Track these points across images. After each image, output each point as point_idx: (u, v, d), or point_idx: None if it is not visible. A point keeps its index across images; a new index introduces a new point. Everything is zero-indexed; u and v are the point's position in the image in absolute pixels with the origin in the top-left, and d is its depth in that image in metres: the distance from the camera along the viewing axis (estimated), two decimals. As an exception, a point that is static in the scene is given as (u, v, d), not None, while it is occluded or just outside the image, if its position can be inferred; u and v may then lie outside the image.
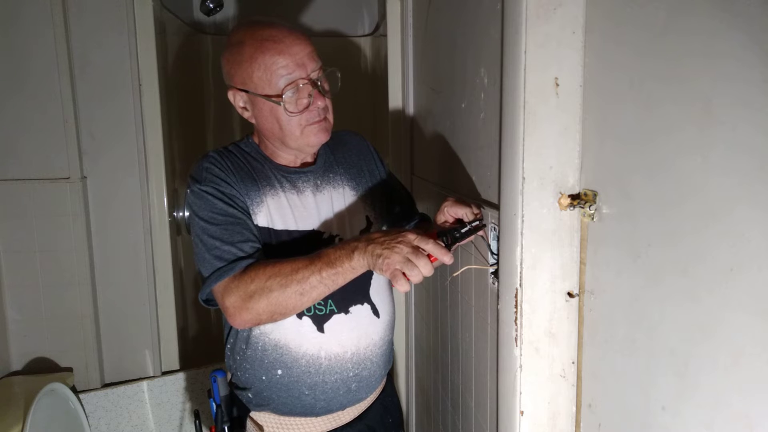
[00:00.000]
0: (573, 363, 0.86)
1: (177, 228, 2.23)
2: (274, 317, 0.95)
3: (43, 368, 2.01)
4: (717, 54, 0.54)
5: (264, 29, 1.00)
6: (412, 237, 0.86)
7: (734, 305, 0.52)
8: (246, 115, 1.07)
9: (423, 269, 0.84)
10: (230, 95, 1.06)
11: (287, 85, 0.99)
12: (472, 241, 1.06)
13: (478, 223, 0.94)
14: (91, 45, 1.95)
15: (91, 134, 1.99)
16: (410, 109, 1.74)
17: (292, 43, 1.00)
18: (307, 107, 1.02)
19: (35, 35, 1.88)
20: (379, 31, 2.73)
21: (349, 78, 2.91)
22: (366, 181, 1.20)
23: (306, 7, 2.77)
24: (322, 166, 1.15)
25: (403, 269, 0.84)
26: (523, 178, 0.81)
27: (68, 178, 1.95)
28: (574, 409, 0.87)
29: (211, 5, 2.59)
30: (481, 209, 1.00)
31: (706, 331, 0.56)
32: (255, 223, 1.05)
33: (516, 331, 0.86)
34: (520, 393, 0.87)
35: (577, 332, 0.85)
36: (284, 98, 1.00)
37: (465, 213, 0.96)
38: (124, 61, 1.97)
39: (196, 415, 1.37)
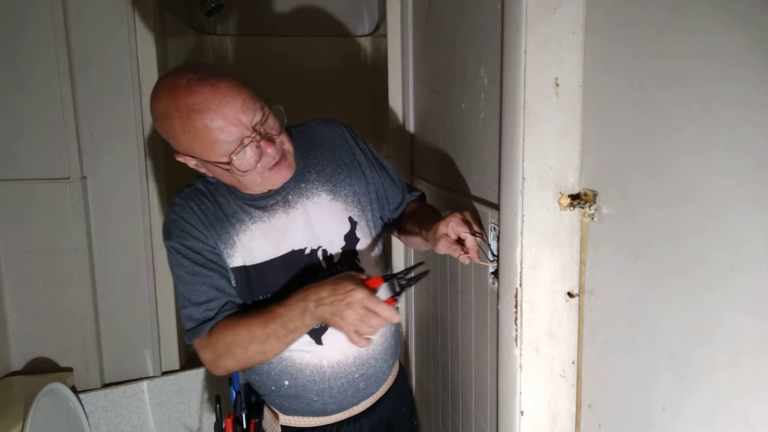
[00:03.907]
0: (573, 363, 0.86)
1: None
2: (245, 368, 1.04)
3: (43, 368, 2.01)
4: (717, 54, 0.54)
5: (186, 96, 0.88)
6: (360, 296, 0.86)
7: (734, 305, 0.52)
8: (202, 170, 1.02)
9: (377, 326, 0.87)
10: (179, 158, 0.99)
11: (231, 151, 0.91)
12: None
13: (423, 270, 0.96)
14: (91, 45, 1.95)
15: (91, 134, 1.99)
16: (410, 109, 1.74)
17: (220, 104, 0.88)
18: (259, 159, 0.95)
19: (35, 35, 1.88)
20: (379, 31, 2.73)
21: (349, 78, 2.92)
22: (344, 178, 1.12)
23: (306, 7, 2.77)
24: (291, 179, 1.07)
25: (358, 331, 0.88)
26: (523, 178, 0.81)
27: (68, 178, 1.95)
28: (574, 409, 0.87)
29: (211, 5, 2.60)
30: (482, 228, 0.99)
31: (706, 332, 0.56)
32: (230, 265, 1.05)
33: (516, 331, 0.86)
34: (520, 393, 0.87)
35: (577, 332, 0.85)
36: (233, 163, 0.92)
37: (466, 236, 0.94)
38: (124, 61, 1.97)
39: (218, 400, 1.42)
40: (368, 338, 0.90)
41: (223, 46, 2.80)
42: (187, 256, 1.03)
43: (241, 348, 0.98)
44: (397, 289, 0.93)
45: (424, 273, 0.95)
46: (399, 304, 0.92)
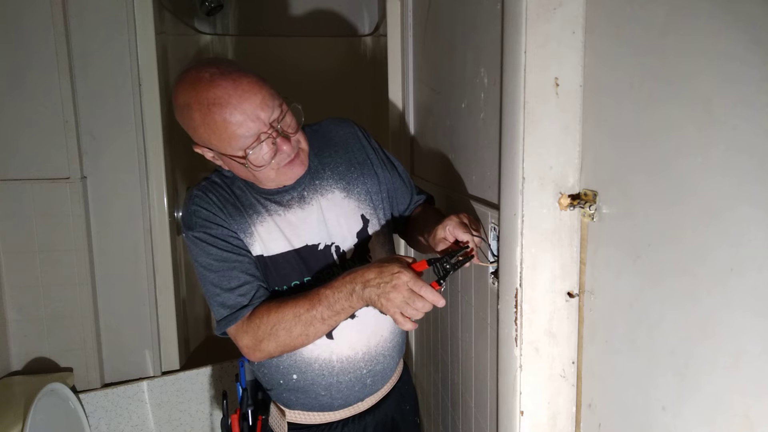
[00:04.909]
0: (573, 363, 0.86)
1: (177, 228, 2.23)
2: (285, 352, 1.03)
3: (43, 368, 2.01)
4: (717, 54, 0.54)
5: (208, 90, 0.90)
6: (406, 279, 0.88)
7: (734, 305, 0.52)
8: (219, 163, 1.04)
9: (422, 309, 0.88)
10: (197, 149, 1.02)
11: (248, 146, 0.94)
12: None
13: (466, 256, 0.95)
14: (91, 45, 1.95)
15: (91, 134, 1.99)
16: (410, 109, 1.74)
17: (240, 99, 0.91)
18: (274, 155, 0.97)
19: (35, 35, 1.88)
20: (379, 31, 2.73)
21: (349, 78, 2.91)
22: (357, 176, 1.14)
23: (306, 7, 2.77)
24: (306, 176, 1.10)
25: (403, 313, 0.89)
26: (523, 178, 0.81)
27: (68, 178, 1.95)
28: (574, 409, 0.87)
29: (211, 5, 2.60)
30: (481, 231, 0.99)
31: (706, 331, 0.56)
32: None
33: (516, 331, 0.86)
34: (520, 393, 0.87)
35: (577, 332, 0.85)
36: (248, 158, 0.95)
37: (466, 238, 0.94)
38: (124, 61, 1.97)
39: (224, 395, 1.42)
40: (413, 322, 0.90)
41: (223, 46, 2.80)
42: (213, 244, 1.03)
43: (284, 330, 0.98)
44: (441, 273, 0.93)
45: (469, 258, 0.94)
46: (443, 288, 0.93)
